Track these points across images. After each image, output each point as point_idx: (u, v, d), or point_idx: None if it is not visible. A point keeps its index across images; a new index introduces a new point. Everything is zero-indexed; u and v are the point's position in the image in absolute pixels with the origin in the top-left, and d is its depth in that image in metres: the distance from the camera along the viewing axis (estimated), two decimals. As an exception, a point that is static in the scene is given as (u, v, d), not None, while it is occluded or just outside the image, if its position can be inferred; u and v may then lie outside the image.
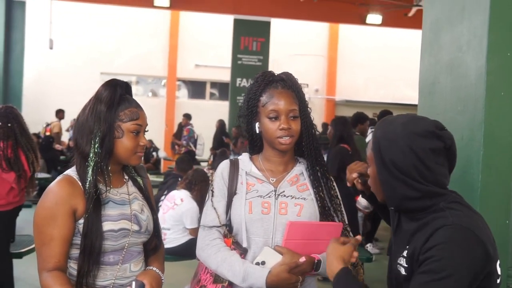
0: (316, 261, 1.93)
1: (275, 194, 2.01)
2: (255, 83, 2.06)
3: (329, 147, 5.85)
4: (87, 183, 1.86)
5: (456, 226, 1.47)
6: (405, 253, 1.58)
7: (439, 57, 2.50)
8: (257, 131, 2.06)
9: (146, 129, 1.98)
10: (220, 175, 2.08)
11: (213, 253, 1.98)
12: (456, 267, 1.42)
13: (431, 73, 2.57)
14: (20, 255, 4.61)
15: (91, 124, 1.87)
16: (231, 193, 2.04)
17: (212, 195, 2.06)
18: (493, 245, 1.52)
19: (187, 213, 5.07)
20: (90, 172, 1.87)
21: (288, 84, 2.04)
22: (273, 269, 1.88)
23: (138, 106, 1.96)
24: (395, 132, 1.59)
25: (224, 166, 2.11)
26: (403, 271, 1.57)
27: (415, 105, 2.79)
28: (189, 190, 5.20)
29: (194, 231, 5.05)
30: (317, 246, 1.94)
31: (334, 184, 2.13)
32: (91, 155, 1.87)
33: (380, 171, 1.62)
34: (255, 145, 2.13)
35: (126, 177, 2.05)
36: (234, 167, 2.08)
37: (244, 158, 2.12)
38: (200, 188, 5.17)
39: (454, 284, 1.41)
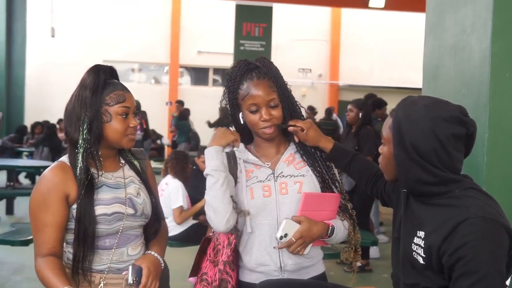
0: (330, 227, 1.99)
1: (273, 176, 2.05)
2: (231, 75, 2.06)
3: (357, 127, 5.62)
4: (78, 169, 1.88)
5: (479, 219, 1.46)
6: (420, 241, 1.58)
7: (443, 40, 2.48)
8: (242, 122, 2.09)
9: (136, 111, 1.99)
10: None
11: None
12: (492, 263, 1.43)
13: (435, 56, 2.55)
14: (26, 243, 4.64)
15: (78, 111, 1.88)
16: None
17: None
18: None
19: (172, 192, 4.98)
20: (80, 158, 1.88)
21: (263, 71, 2.02)
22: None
23: (124, 88, 1.96)
24: (418, 114, 1.57)
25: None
26: (421, 260, 1.57)
27: (419, 89, 2.78)
28: (167, 173, 5.21)
29: (177, 212, 4.91)
30: (323, 215, 2.01)
31: None
32: (80, 141, 1.88)
33: (397, 152, 1.60)
34: (244, 133, 2.14)
35: (123, 161, 2.05)
36: (231, 158, 2.11)
37: (240, 148, 2.14)
38: (170, 166, 5.14)
39: (495, 279, 1.43)
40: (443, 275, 1.52)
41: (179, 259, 4.16)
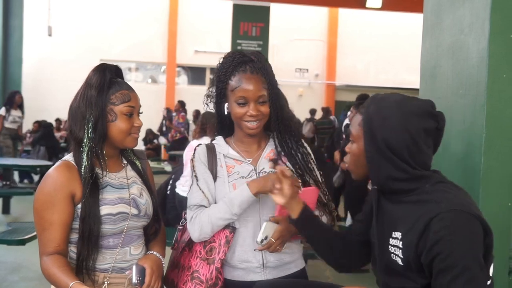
0: None
1: (256, 173, 2.03)
2: (224, 65, 2.04)
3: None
4: (83, 168, 1.87)
5: (450, 213, 1.45)
6: (397, 242, 1.56)
7: (440, 40, 2.48)
8: (226, 112, 2.05)
9: (140, 111, 1.98)
10: (199, 159, 2.08)
11: (202, 215, 1.99)
12: (469, 255, 1.42)
13: (433, 56, 2.55)
14: (23, 242, 4.63)
15: (83, 109, 1.88)
16: (213, 176, 2.05)
17: (197, 180, 2.05)
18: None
19: None
20: (85, 157, 1.88)
21: (257, 66, 2.00)
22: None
23: (129, 88, 1.96)
24: (389, 110, 1.56)
25: (200, 151, 2.10)
26: (399, 261, 1.55)
27: (416, 89, 2.78)
28: (204, 134, 5.02)
29: None
30: None
31: (308, 150, 2.14)
32: (85, 140, 1.88)
33: (368, 149, 1.59)
34: (224, 124, 2.13)
35: (125, 161, 2.05)
36: (211, 151, 2.08)
37: (219, 142, 2.11)
38: (211, 125, 4.83)
39: (475, 270, 1.42)
40: (423, 274, 1.51)
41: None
